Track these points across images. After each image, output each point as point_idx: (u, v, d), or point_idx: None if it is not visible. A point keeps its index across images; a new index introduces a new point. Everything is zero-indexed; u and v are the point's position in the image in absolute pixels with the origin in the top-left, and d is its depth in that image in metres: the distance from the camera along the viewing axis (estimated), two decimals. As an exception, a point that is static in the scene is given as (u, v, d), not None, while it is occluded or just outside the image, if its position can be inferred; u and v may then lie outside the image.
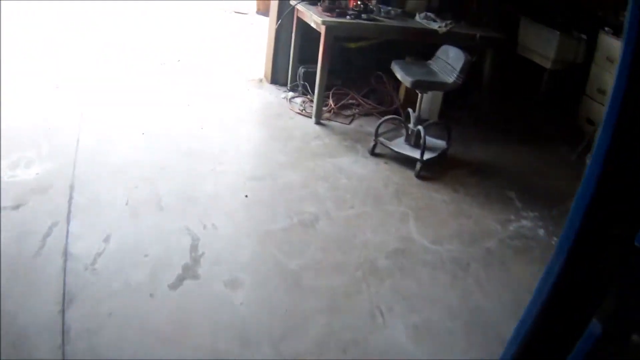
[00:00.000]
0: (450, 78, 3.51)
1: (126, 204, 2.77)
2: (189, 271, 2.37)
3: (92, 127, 3.56)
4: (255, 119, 4.14)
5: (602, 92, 4.38)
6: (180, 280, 2.31)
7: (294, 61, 4.51)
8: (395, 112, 4.38)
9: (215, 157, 3.42)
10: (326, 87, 4.05)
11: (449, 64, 3.61)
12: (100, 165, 3.12)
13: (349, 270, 2.55)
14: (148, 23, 6.36)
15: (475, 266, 2.72)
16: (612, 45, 4.32)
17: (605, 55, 4.38)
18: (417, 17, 4.15)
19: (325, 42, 3.84)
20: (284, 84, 4.66)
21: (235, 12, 7.14)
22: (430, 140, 3.76)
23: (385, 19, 4.02)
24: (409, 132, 3.76)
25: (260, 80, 4.85)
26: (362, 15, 3.87)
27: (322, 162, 3.57)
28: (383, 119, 3.83)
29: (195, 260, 2.44)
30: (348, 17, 3.83)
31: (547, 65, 4.71)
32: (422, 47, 4.30)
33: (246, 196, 3.09)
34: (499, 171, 3.88)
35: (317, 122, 4.10)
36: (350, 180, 3.42)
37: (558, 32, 4.54)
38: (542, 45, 4.73)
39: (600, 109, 4.38)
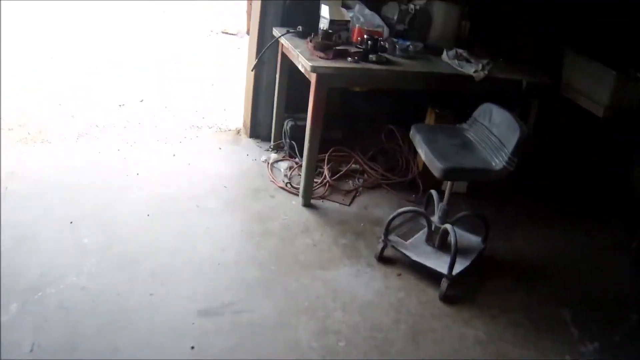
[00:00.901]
0: (498, 160, 2.24)
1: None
2: None
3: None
4: (223, 198, 2.83)
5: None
6: None
7: (279, 109, 3.25)
8: (412, 184, 3.15)
9: (158, 271, 2.21)
10: (320, 146, 2.77)
11: (494, 135, 2.35)
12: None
13: None
14: (120, 47, 5.12)
15: None
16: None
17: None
18: (445, 56, 2.87)
19: (317, 95, 2.55)
20: (267, 139, 3.40)
21: (223, 32, 5.90)
22: (461, 238, 2.51)
23: (402, 60, 2.74)
24: (432, 228, 2.51)
25: (238, 132, 3.57)
26: (370, 55, 2.60)
27: (309, 279, 2.31)
28: (395, 213, 2.50)
29: None
30: (349, 59, 2.56)
31: (599, 112, 3.31)
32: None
33: (192, 348, 1.89)
34: (549, 275, 2.66)
35: (306, 204, 2.83)
36: (346, 313, 2.15)
37: (614, 72, 3.15)
38: (593, 87, 3.33)
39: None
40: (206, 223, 2.60)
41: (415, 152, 3.17)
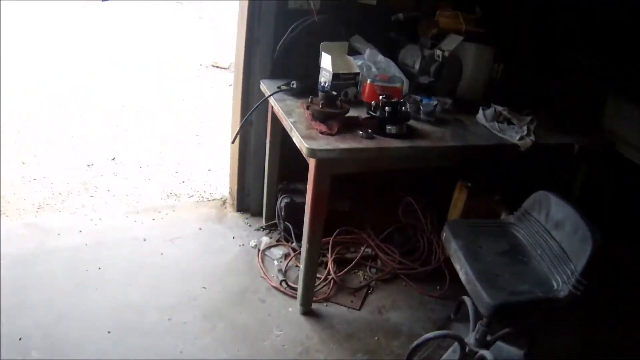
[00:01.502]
0: (561, 280, 1.55)
1: None
2: None
3: None
4: (201, 306, 2.10)
5: None
6: None
7: (271, 179, 2.50)
8: (437, 272, 2.38)
9: None
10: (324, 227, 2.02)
11: (554, 240, 1.65)
12: None
13: None
14: (97, 88, 4.37)
15: None
16: None
17: None
18: (481, 116, 2.11)
19: (317, 184, 1.81)
20: (257, 213, 2.66)
21: (214, 65, 5.20)
22: (500, 352, 1.84)
23: (429, 128, 2.00)
24: (466, 351, 1.77)
25: (223, 203, 2.82)
26: (388, 126, 1.85)
27: None
28: (418, 341, 1.78)
29: None
30: (361, 132, 1.81)
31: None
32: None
33: None
34: None
35: (306, 312, 2.09)
36: None
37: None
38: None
39: None
40: (180, 347, 1.89)
41: (440, 230, 2.47)
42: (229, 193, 2.81)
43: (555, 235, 1.70)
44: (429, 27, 2.36)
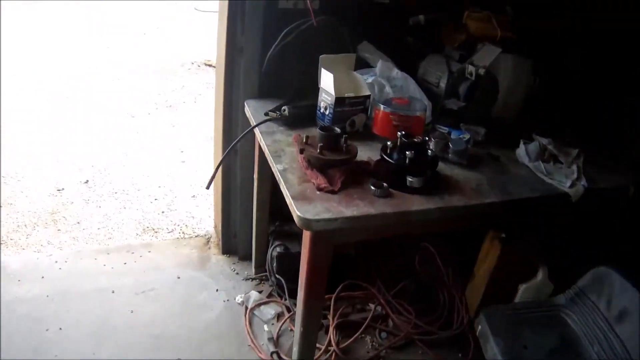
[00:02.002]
0: None
1: None
2: None
3: None
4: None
5: None
6: None
7: (261, 221, 1.98)
8: (460, 336, 1.88)
9: None
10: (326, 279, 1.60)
11: (617, 337, 1.21)
12: None
13: None
14: (79, 92, 3.79)
15: None
16: None
17: None
18: (523, 153, 1.53)
19: (314, 259, 1.29)
20: (245, 257, 2.15)
21: (207, 64, 4.57)
22: None
23: (460, 173, 1.45)
24: None
25: (207, 242, 2.31)
26: (410, 178, 1.29)
27: None
28: None
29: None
30: (374, 190, 1.27)
31: None
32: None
33: None
34: None
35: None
36: None
37: None
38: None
39: None
40: None
41: (464, 284, 1.99)
42: (214, 229, 2.31)
43: (618, 331, 1.23)
44: (455, 33, 1.80)
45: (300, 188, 1.29)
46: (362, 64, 1.77)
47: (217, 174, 1.94)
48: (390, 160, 1.35)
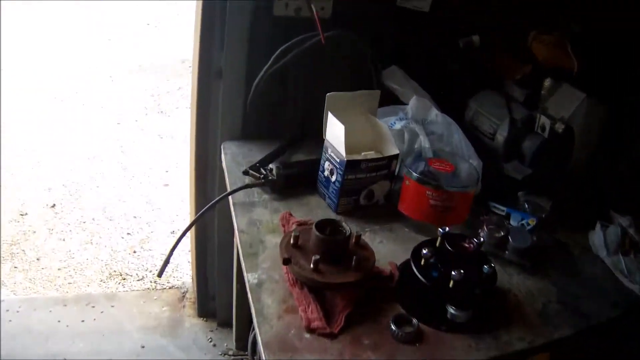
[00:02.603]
0: None
1: None
2: None
3: None
4: None
5: None
6: None
7: (241, 287, 1.49)
8: None
9: None
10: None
11: None
12: None
13: None
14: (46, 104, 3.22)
15: None
16: None
17: None
18: (600, 241, 1.01)
19: None
20: (226, 324, 1.64)
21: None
22: None
23: (519, 279, 0.92)
24: None
25: (182, 298, 1.79)
26: (453, 309, 0.77)
27: None
28: None
29: None
30: (395, 331, 0.76)
31: None
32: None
33: None
34: None
35: None
36: None
37: None
38: None
39: None
40: None
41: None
42: (192, 280, 1.83)
43: None
44: (516, 61, 1.25)
45: (280, 326, 0.76)
46: (386, 98, 1.25)
47: (191, 240, 1.45)
48: (424, 279, 0.83)
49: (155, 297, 1.80)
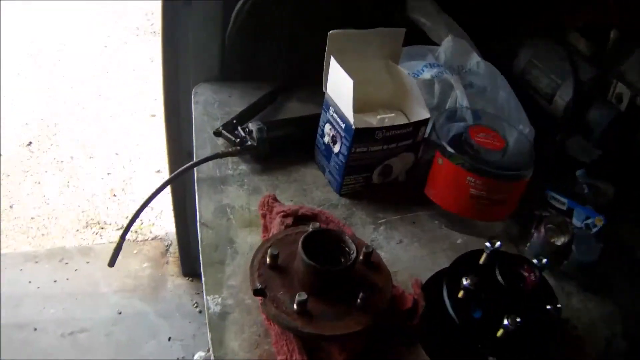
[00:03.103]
0: None
1: None
2: None
3: None
4: None
5: None
6: None
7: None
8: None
9: None
10: None
11: None
12: None
13: None
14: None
15: None
16: None
17: None
18: None
19: None
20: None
21: None
22: None
23: (579, 300, 0.67)
24: None
25: (165, 252, 1.55)
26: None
27: None
28: None
29: None
30: None
31: None
32: None
33: None
34: None
35: None
36: None
37: None
38: None
39: None
40: None
41: None
42: (175, 234, 1.61)
43: None
44: (582, 5, 0.88)
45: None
46: (411, 35, 0.91)
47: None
48: (460, 322, 0.55)
49: (135, 251, 1.57)
